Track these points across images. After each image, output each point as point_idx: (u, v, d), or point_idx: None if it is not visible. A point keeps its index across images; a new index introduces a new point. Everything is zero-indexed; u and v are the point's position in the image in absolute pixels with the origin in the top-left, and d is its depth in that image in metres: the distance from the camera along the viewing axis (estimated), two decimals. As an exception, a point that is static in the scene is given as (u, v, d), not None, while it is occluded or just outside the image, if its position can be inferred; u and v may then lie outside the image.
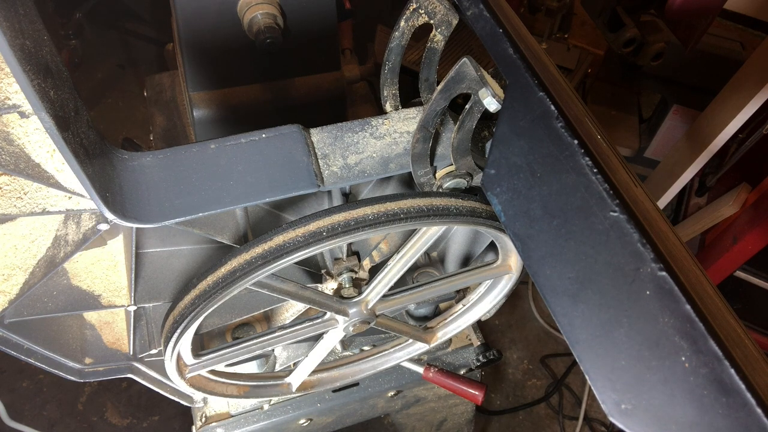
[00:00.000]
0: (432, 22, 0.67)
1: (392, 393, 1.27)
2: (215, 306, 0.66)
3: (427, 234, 0.74)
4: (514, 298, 2.37)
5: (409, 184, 0.83)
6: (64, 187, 0.57)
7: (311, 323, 0.82)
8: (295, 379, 0.98)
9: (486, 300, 0.95)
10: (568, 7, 1.75)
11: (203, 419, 1.16)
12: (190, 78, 1.06)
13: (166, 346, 0.72)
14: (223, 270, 0.64)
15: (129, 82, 2.73)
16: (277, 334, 0.81)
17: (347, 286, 0.81)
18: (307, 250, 0.62)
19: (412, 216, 0.64)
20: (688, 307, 0.42)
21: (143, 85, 1.45)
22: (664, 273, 0.43)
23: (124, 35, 2.69)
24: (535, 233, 0.57)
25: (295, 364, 1.03)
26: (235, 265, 0.63)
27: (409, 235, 0.76)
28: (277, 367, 1.08)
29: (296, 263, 0.71)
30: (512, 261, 0.84)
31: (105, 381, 1.11)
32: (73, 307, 0.76)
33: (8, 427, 1.68)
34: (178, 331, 0.69)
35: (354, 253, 0.83)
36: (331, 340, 0.88)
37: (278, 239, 0.62)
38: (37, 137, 0.54)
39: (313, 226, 0.62)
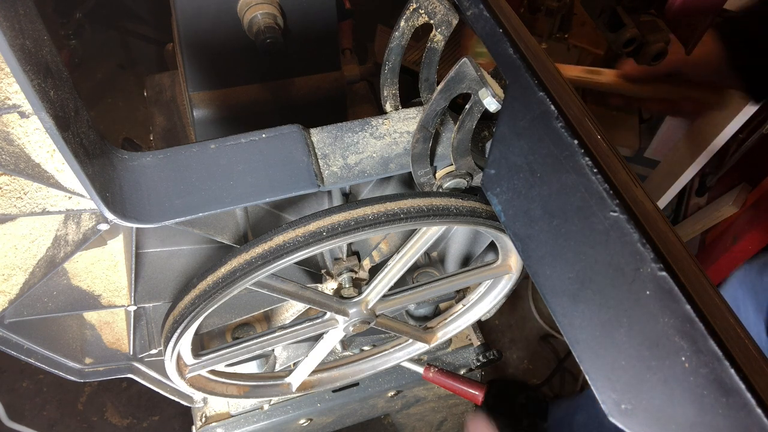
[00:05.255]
0: (432, 22, 0.67)
1: (392, 393, 1.27)
2: (215, 306, 0.66)
3: (427, 234, 0.74)
4: (514, 298, 2.37)
5: (409, 184, 0.83)
6: (64, 187, 0.57)
7: (311, 323, 0.82)
8: (295, 379, 0.98)
9: (486, 300, 0.95)
10: (568, 7, 1.75)
11: (203, 419, 1.16)
12: (190, 78, 1.06)
13: (166, 346, 0.72)
14: (223, 270, 0.64)
15: (129, 82, 2.73)
16: (277, 334, 0.81)
17: (347, 286, 0.81)
18: (307, 250, 0.62)
19: (412, 216, 0.64)
20: (688, 307, 0.42)
21: (143, 85, 1.45)
22: (664, 273, 0.43)
23: (124, 35, 2.68)
24: (535, 233, 0.57)
25: (295, 364, 1.03)
26: (235, 265, 0.63)
27: (409, 235, 0.76)
28: (277, 367, 1.08)
29: (296, 263, 0.71)
30: (512, 261, 0.84)
31: (105, 381, 1.11)
32: (73, 307, 0.76)
33: (8, 428, 1.68)
34: (178, 331, 0.69)
35: (354, 253, 0.83)
36: (331, 340, 0.88)
37: (278, 239, 0.62)
38: (37, 137, 0.54)
39: (313, 226, 0.62)
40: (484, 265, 0.85)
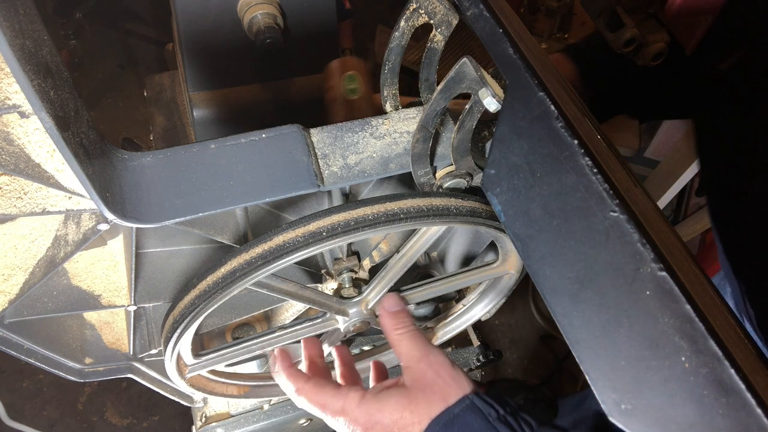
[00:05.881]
0: (432, 22, 0.67)
1: (392, 393, 1.27)
2: (215, 306, 0.66)
3: (428, 234, 0.74)
4: (514, 298, 2.37)
5: (409, 184, 0.83)
6: (64, 187, 0.57)
7: (311, 323, 0.82)
8: (295, 379, 0.98)
9: (486, 300, 0.95)
10: (568, 7, 1.75)
11: (203, 419, 1.16)
12: (190, 78, 1.06)
13: (166, 346, 0.72)
14: (223, 270, 0.64)
15: (129, 82, 2.73)
16: (277, 334, 0.81)
17: (347, 286, 0.81)
18: (307, 250, 0.62)
19: (411, 216, 0.64)
20: (688, 307, 0.42)
21: (143, 85, 1.45)
22: (664, 273, 0.43)
23: (124, 35, 2.68)
24: (535, 233, 0.57)
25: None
26: (234, 265, 0.63)
27: (409, 235, 0.76)
28: (277, 367, 1.08)
29: (296, 263, 0.71)
30: (512, 261, 0.84)
31: (105, 381, 1.11)
32: (73, 307, 0.76)
33: (8, 427, 1.68)
34: (178, 331, 0.69)
35: (354, 253, 0.83)
36: (331, 340, 0.88)
37: (278, 239, 0.62)
38: (37, 137, 0.54)
39: (313, 226, 0.62)
40: (484, 265, 0.85)
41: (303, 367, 0.77)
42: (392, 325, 0.71)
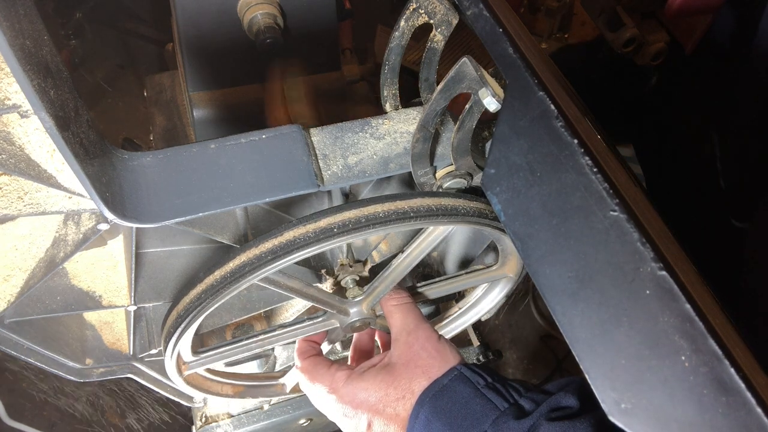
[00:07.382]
0: (432, 22, 0.67)
1: (392, 393, 1.27)
2: (221, 302, 0.66)
3: (434, 234, 0.74)
4: (514, 298, 2.37)
5: (409, 184, 0.83)
6: (64, 187, 0.57)
7: (311, 322, 0.82)
8: (290, 380, 0.98)
9: (485, 301, 0.95)
10: (568, 7, 1.75)
11: (203, 419, 1.16)
12: (190, 78, 1.06)
13: (167, 343, 0.72)
14: (232, 265, 0.64)
15: (129, 82, 2.73)
16: (276, 332, 0.81)
17: (350, 286, 0.81)
18: (316, 247, 0.62)
19: (422, 215, 0.64)
20: (688, 306, 0.42)
21: (143, 85, 1.45)
22: (663, 272, 0.43)
23: (124, 35, 2.68)
24: (535, 232, 0.57)
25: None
26: (244, 260, 0.63)
27: (411, 235, 0.76)
28: (277, 367, 1.08)
29: (297, 262, 0.71)
30: (511, 264, 0.84)
31: (105, 381, 1.11)
32: (73, 307, 0.76)
33: (8, 427, 1.68)
34: (182, 326, 0.69)
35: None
36: (332, 338, 0.88)
37: (289, 235, 0.63)
38: (37, 137, 0.54)
39: (324, 222, 0.63)
40: (482, 268, 0.85)
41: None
42: (388, 296, 0.75)
